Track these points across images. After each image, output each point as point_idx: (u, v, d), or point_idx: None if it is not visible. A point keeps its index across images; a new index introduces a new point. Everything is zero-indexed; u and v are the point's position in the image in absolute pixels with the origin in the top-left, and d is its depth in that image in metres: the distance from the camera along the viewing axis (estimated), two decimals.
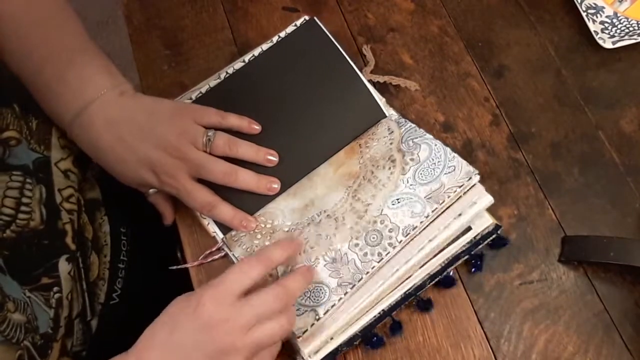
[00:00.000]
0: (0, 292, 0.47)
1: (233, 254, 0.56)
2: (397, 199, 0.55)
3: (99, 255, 0.62)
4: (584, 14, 0.68)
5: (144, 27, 0.73)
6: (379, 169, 0.57)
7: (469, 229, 0.55)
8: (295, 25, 0.64)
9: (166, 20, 0.73)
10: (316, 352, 0.52)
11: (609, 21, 0.68)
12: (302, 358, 0.52)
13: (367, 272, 0.52)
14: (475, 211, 0.54)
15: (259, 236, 0.56)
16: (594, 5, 0.69)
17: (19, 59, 0.55)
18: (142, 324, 0.47)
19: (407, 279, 0.54)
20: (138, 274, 0.67)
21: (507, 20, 0.71)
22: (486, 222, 0.56)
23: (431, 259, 0.55)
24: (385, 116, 0.61)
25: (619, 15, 0.69)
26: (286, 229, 0.56)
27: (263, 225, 0.57)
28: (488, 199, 0.55)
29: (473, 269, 0.58)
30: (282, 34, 0.64)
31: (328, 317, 0.52)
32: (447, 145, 0.57)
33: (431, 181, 0.55)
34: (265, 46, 0.64)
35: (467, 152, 0.64)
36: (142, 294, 0.67)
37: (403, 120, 0.60)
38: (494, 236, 0.58)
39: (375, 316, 0.54)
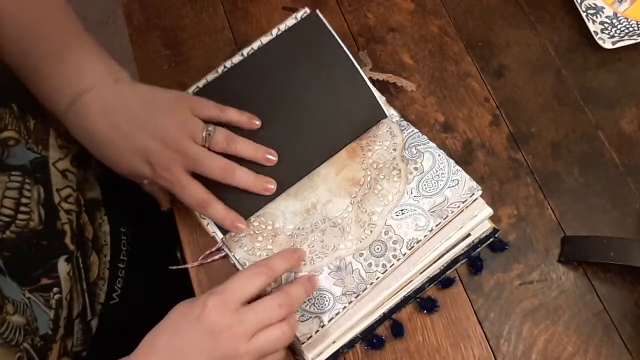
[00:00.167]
0: (0, 293, 0.47)
1: (234, 255, 0.56)
2: (402, 210, 0.55)
3: (99, 255, 0.62)
4: (583, 14, 0.68)
5: (144, 27, 0.73)
6: (384, 179, 0.57)
7: (468, 234, 0.56)
8: (296, 18, 0.63)
9: (166, 20, 0.73)
10: (318, 355, 0.53)
11: (609, 21, 0.68)
12: None
13: (372, 283, 0.53)
14: (476, 223, 0.55)
15: (260, 238, 0.56)
16: (593, 6, 0.69)
17: (18, 57, 0.55)
18: (142, 324, 0.47)
19: (407, 284, 0.55)
20: (138, 274, 0.67)
21: (507, 20, 0.71)
22: (484, 226, 0.56)
23: (432, 264, 0.55)
24: (386, 116, 0.61)
25: (618, 15, 0.69)
26: (288, 233, 0.56)
27: (264, 227, 0.57)
28: (488, 211, 0.55)
29: (474, 271, 0.58)
30: (282, 27, 0.62)
31: (332, 324, 0.52)
32: (448, 149, 0.57)
33: (435, 194, 0.55)
34: (264, 39, 0.62)
35: (467, 152, 0.64)
36: (142, 293, 0.67)
37: (405, 123, 0.60)
38: (491, 239, 0.58)
39: (376, 319, 0.55)
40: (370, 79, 0.64)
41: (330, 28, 0.61)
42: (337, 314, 0.52)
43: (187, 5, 0.74)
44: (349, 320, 0.53)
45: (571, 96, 0.66)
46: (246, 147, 0.56)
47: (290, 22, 0.62)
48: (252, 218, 0.58)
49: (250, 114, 0.58)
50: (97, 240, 0.62)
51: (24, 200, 0.51)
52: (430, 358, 0.55)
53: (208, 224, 0.58)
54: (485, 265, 0.58)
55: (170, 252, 0.66)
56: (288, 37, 0.62)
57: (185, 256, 0.61)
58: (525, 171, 0.63)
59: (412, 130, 0.59)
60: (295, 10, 0.63)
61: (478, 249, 0.58)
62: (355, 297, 0.52)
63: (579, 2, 0.69)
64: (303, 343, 0.52)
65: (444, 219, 0.54)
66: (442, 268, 0.56)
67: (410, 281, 0.55)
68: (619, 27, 0.68)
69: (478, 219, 0.54)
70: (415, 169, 0.57)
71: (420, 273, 0.55)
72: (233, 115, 0.57)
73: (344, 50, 0.60)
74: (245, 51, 0.62)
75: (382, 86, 0.67)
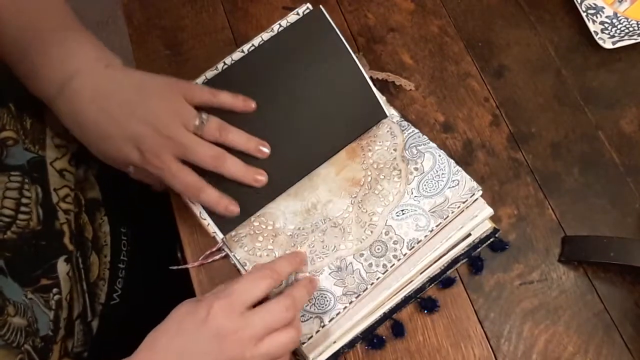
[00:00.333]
0: (0, 295, 0.47)
1: (234, 255, 0.56)
2: (402, 210, 0.55)
3: (99, 256, 0.62)
4: (583, 14, 0.68)
5: (144, 27, 0.73)
6: (384, 179, 0.57)
7: (468, 234, 0.56)
8: (298, 13, 0.61)
9: (166, 20, 0.73)
10: (319, 355, 0.53)
11: (609, 21, 0.68)
12: None
13: (372, 283, 0.53)
14: (476, 223, 0.55)
15: (260, 238, 0.56)
16: (594, 6, 0.69)
17: (5, 45, 0.54)
18: (143, 324, 0.47)
19: (408, 284, 0.55)
20: (138, 274, 0.67)
21: (507, 20, 0.71)
22: (485, 226, 0.56)
23: (432, 264, 0.55)
24: (387, 116, 0.61)
25: (618, 15, 0.69)
26: (289, 233, 0.56)
27: (264, 227, 0.57)
28: (488, 211, 0.55)
29: (474, 271, 0.58)
30: (284, 23, 0.61)
31: (333, 324, 0.52)
32: (448, 149, 0.57)
33: (435, 194, 0.55)
34: (265, 35, 0.61)
35: (467, 152, 0.64)
36: (142, 294, 0.67)
37: (405, 123, 0.60)
38: (492, 239, 0.58)
39: (376, 319, 0.55)
40: (370, 78, 0.64)
41: (333, 24, 0.60)
42: (337, 314, 0.52)
43: (187, 5, 0.74)
44: (350, 321, 0.53)
45: (571, 96, 0.66)
46: (239, 137, 0.55)
47: (292, 18, 0.61)
48: (252, 218, 0.58)
49: (244, 97, 0.56)
50: (97, 240, 0.62)
51: (24, 201, 0.51)
52: (430, 358, 0.55)
53: (208, 224, 0.58)
54: (486, 265, 0.58)
55: (170, 252, 0.66)
56: (289, 33, 0.61)
57: (185, 256, 0.61)
58: (526, 171, 0.63)
59: (413, 131, 0.59)
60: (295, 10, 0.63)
61: (478, 249, 0.58)
62: (356, 297, 0.52)
63: (579, 2, 0.69)
64: (304, 343, 0.52)
65: (445, 219, 0.54)
66: (442, 268, 0.56)
67: (411, 281, 0.55)
68: (619, 27, 0.68)
69: (478, 219, 0.55)
70: (416, 169, 0.57)
71: (421, 273, 0.55)
72: (225, 98, 0.55)
73: (347, 48, 0.60)
74: (246, 47, 0.61)
75: (382, 86, 0.67)
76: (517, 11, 0.71)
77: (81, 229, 0.59)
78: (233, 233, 0.57)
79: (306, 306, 0.53)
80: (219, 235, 0.58)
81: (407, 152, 0.58)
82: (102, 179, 0.66)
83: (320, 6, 0.61)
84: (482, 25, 0.71)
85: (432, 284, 0.57)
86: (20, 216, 0.50)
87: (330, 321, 0.52)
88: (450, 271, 0.58)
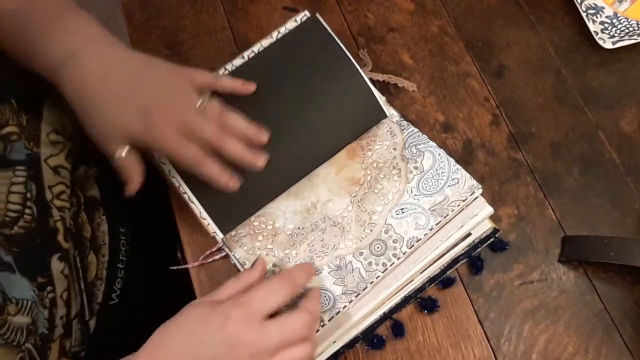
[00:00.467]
0: (1, 294, 0.47)
1: (234, 255, 0.56)
2: (402, 209, 0.55)
3: (97, 255, 0.62)
4: (583, 14, 0.68)
5: (144, 27, 0.73)
6: (384, 178, 0.57)
7: (468, 234, 0.56)
8: (296, 21, 0.63)
9: (166, 20, 0.73)
10: (318, 355, 0.53)
11: (609, 21, 0.68)
12: None
13: (372, 282, 0.53)
14: (476, 222, 0.55)
15: (260, 237, 0.56)
16: (594, 6, 0.69)
17: (3, 26, 0.53)
18: (142, 324, 0.47)
19: (408, 283, 0.55)
20: (138, 275, 0.67)
21: (507, 20, 0.71)
22: (485, 226, 0.56)
23: (432, 264, 0.55)
24: (386, 116, 0.61)
25: (619, 15, 0.69)
26: (288, 232, 0.56)
27: (264, 226, 0.57)
28: (488, 210, 0.55)
29: (474, 271, 0.58)
30: (282, 30, 0.63)
31: (333, 323, 0.52)
32: (448, 148, 0.57)
33: (435, 193, 0.55)
34: (265, 42, 0.63)
35: (467, 152, 0.64)
36: (141, 294, 0.67)
37: (405, 123, 0.60)
38: (492, 239, 0.58)
39: (376, 319, 0.55)
40: (371, 79, 0.64)
41: (330, 30, 0.61)
42: (337, 313, 0.52)
43: (187, 5, 0.74)
44: (350, 320, 0.53)
45: (571, 96, 0.66)
46: (239, 121, 0.55)
47: (291, 25, 0.63)
48: (252, 218, 0.58)
49: (243, 80, 0.57)
50: (95, 239, 0.62)
51: (29, 195, 0.50)
52: (430, 358, 0.55)
53: (208, 224, 0.58)
54: (486, 265, 0.58)
55: (170, 252, 0.66)
56: (289, 39, 0.62)
57: (185, 256, 0.61)
58: (525, 171, 0.63)
59: (412, 130, 0.59)
60: (295, 10, 0.64)
61: (478, 249, 0.58)
62: (356, 297, 0.52)
63: (579, 2, 0.69)
64: None
65: (444, 218, 0.54)
66: (442, 268, 0.56)
67: (411, 281, 0.55)
68: (619, 27, 0.68)
69: (479, 218, 0.55)
70: (416, 168, 0.57)
71: (421, 273, 0.55)
72: (227, 81, 0.56)
73: (344, 52, 0.61)
74: (246, 54, 0.63)
75: (382, 86, 0.67)
76: (517, 11, 0.71)
77: (79, 227, 0.59)
78: (233, 233, 0.57)
79: None
80: (219, 235, 0.58)
81: (406, 151, 0.58)
82: (101, 179, 0.66)
83: (317, 14, 0.62)
84: (482, 25, 0.71)
85: (432, 284, 0.57)
86: (27, 211, 0.50)
87: (329, 320, 0.52)
88: (450, 271, 0.58)
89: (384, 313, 0.55)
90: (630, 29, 0.68)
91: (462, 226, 0.54)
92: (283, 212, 0.57)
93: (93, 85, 0.50)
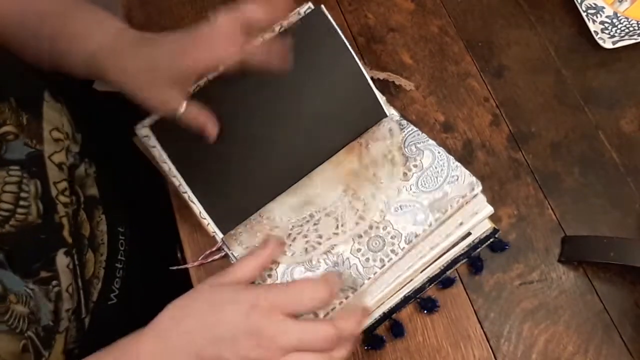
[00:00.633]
0: (1, 284, 0.47)
1: (232, 253, 0.56)
2: (400, 206, 0.55)
3: (95, 254, 0.62)
4: (584, 14, 0.68)
5: (144, 27, 0.72)
6: (379, 167, 0.57)
7: (468, 233, 0.56)
8: (299, 13, 0.62)
9: (166, 20, 0.73)
10: None
11: (609, 21, 0.68)
12: None
13: (369, 278, 0.52)
14: (477, 221, 0.55)
15: (258, 234, 0.56)
16: (594, 5, 0.69)
17: (27, 42, 0.56)
18: (139, 325, 0.47)
19: (407, 283, 0.55)
20: (137, 275, 0.67)
21: (507, 20, 0.71)
22: (484, 226, 0.56)
23: (431, 263, 0.55)
24: (387, 115, 0.61)
25: (619, 15, 0.69)
26: (285, 227, 0.56)
27: (261, 223, 0.57)
28: (489, 209, 0.55)
29: (474, 271, 0.58)
30: (285, 23, 0.61)
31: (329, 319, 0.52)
32: (448, 148, 0.57)
33: (434, 189, 0.55)
34: (267, 36, 0.60)
35: (467, 152, 0.64)
36: (141, 295, 0.67)
37: (405, 122, 0.60)
38: (492, 239, 0.58)
39: (376, 319, 0.55)
40: (371, 78, 0.64)
41: (334, 24, 0.60)
42: (333, 309, 0.52)
43: (187, 5, 0.74)
44: None
45: (571, 96, 0.66)
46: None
47: (293, 18, 0.61)
48: (251, 216, 0.58)
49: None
50: (93, 238, 0.62)
51: (23, 195, 0.51)
52: (430, 358, 0.55)
53: (208, 224, 0.58)
54: (485, 265, 0.58)
55: (170, 252, 0.66)
56: (291, 34, 0.61)
57: (185, 256, 0.61)
58: (525, 171, 0.63)
59: (412, 129, 0.59)
60: (296, 7, 0.63)
61: (478, 249, 0.58)
62: (352, 293, 0.52)
63: (579, 2, 0.69)
64: None
65: (444, 214, 0.53)
66: (442, 268, 0.56)
67: (411, 280, 0.54)
68: (619, 27, 0.68)
69: (479, 217, 0.54)
70: (415, 166, 0.56)
71: (421, 272, 0.55)
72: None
73: (348, 48, 0.60)
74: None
75: (382, 86, 0.67)
76: (517, 11, 0.71)
77: (79, 225, 0.59)
78: (232, 232, 0.57)
79: None
80: (219, 235, 0.58)
81: (406, 149, 0.58)
82: (100, 178, 0.66)
83: (322, 6, 0.61)
84: (482, 25, 0.71)
85: (432, 284, 0.57)
86: (19, 210, 0.50)
87: (325, 316, 0.52)
88: (450, 271, 0.58)
89: (384, 313, 0.55)
90: (630, 28, 0.68)
91: (461, 224, 0.54)
92: (280, 208, 0.57)
93: (131, 61, 0.52)
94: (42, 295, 0.51)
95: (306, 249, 0.54)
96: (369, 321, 0.54)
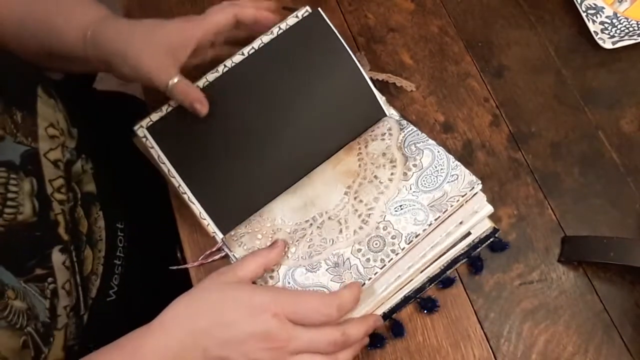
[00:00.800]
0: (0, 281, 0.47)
1: (233, 254, 0.56)
2: (400, 206, 0.55)
3: (93, 250, 0.62)
4: (583, 14, 0.68)
5: None
6: (379, 168, 0.57)
7: (468, 233, 0.56)
8: (297, 16, 0.62)
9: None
10: None
11: (609, 21, 0.68)
12: None
13: (370, 278, 0.52)
14: (477, 219, 0.55)
15: (259, 236, 0.56)
16: (593, 6, 0.69)
17: (21, 40, 0.57)
18: (138, 323, 0.47)
19: (408, 283, 0.55)
20: (136, 273, 0.67)
21: (507, 20, 0.71)
22: (484, 225, 0.56)
23: (432, 263, 0.55)
24: (386, 115, 0.61)
25: (618, 15, 0.69)
26: (288, 230, 0.56)
27: (263, 225, 0.57)
28: (488, 208, 0.55)
29: (474, 271, 0.58)
30: (283, 26, 0.61)
31: None
32: (448, 149, 0.57)
33: (434, 189, 0.55)
34: (265, 38, 0.61)
35: (467, 152, 0.64)
36: (140, 292, 0.67)
37: (404, 122, 0.60)
38: (492, 239, 0.58)
39: None
40: (371, 78, 0.64)
41: (332, 26, 0.61)
42: None
43: (187, 5, 0.74)
44: (348, 317, 0.53)
45: (571, 96, 0.66)
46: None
47: (292, 20, 0.62)
48: (251, 217, 0.58)
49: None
50: (91, 234, 0.62)
51: (10, 195, 0.51)
52: (430, 358, 0.55)
53: (208, 224, 0.58)
54: (485, 265, 0.58)
55: (170, 251, 0.66)
56: (289, 36, 0.61)
57: (185, 256, 0.61)
58: (525, 171, 0.63)
59: (412, 129, 0.59)
60: (295, 10, 0.63)
61: (478, 249, 0.58)
62: None
63: (579, 2, 0.69)
64: None
65: (444, 213, 0.54)
66: (442, 268, 0.56)
67: (411, 280, 0.55)
68: (619, 27, 0.68)
69: (479, 216, 0.54)
70: (415, 165, 0.56)
71: (421, 272, 0.55)
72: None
73: (346, 49, 0.60)
74: (246, 50, 0.61)
75: (382, 86, 0.67)
76: (517, 11, 0.71)
77: (76, 222, 0.59)
78: (232, 232, 0.57)
79: None
80: (219, 235, 0.58)
81: (406, 149, 0.58)
82: (98, 174, 0.66)
83: (319, 9, 0.61)
84: (482, 25, 0.71)
85: (432, 284, 0.57)
86: (7, 210, 0.50)
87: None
88: (449, 271, 0.58)
89: (384, 313, 0.55)
90: (630, 29, 0.68)
91: (461, 223, 0.54)
92: (281, 209, 0.57)
93: (126, 25, 0.56)
94: (37, 293, 0.51)
95: (310, 254, 0.54)
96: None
